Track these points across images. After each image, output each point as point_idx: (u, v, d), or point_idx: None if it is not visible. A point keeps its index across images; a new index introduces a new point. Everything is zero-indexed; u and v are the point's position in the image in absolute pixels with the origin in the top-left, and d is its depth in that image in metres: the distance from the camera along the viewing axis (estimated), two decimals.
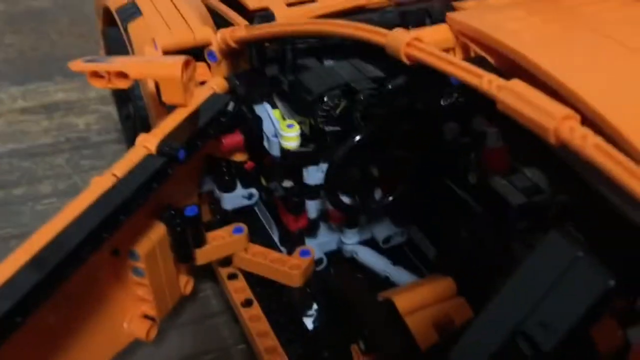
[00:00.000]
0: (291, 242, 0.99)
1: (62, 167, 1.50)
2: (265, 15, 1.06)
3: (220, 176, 1.00)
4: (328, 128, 0.85)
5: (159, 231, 0.85)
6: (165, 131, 0.81)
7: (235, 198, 1.02)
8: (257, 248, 0.97)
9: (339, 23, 0.77)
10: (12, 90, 1.83)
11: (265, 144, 0.95)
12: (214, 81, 0.93)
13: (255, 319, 0.94)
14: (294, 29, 0.81)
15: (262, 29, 0.86)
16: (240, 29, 0.91)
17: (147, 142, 0.79)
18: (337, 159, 0.82)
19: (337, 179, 0.84)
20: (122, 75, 0.82)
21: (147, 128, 1.15)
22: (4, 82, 1.87)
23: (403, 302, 0.78)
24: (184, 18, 1.06)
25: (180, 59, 0.83)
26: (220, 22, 1.11)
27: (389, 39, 0.66)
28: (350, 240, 1.02)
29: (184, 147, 0.79)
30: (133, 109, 1.23)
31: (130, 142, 1.43)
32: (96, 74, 0.83)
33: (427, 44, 0.62)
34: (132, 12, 1.11)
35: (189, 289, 0.96)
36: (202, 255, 0.92)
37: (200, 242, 0.91)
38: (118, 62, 0.84)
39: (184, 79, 0.83)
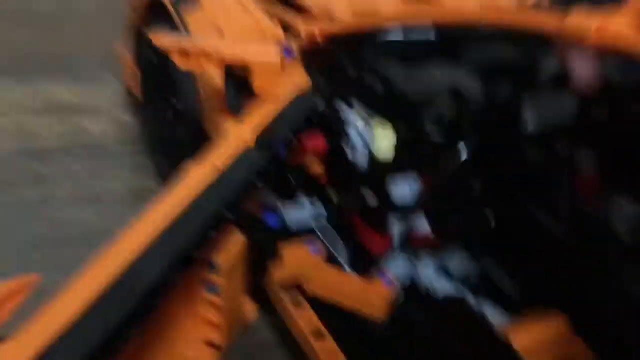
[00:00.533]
0: (367, 266, 0.88)
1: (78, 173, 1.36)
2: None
3: (285, 188, 0.89)
4: (434, 137, 0.76)
5: (238, 242, 0.73)
6: (260, 124, 0.71)
7: (302, 216, 0.91)
8: (333, 270, 0.85)
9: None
10: (19, 90, 1.69)
11: (349, 151, 0.84)
12: (296, 77, 0.83)
13: (330, 354, 0.82)
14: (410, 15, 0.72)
15: (362, 23, 0.77)
16: (332, 24, 0.82)
17: (244, 134, 0.68)
18: (445, 174, 0.73)
19: (442, 198, 0.75)
20: (214, 56, 0.72)
21: (196, 130, 1.04)
22: (10, 80, 1.74)
23: (522, 340, 0.69)
24: (248, 11, 0.97)
25: (279, 45, 0.73)
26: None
27: (569, 26, 0.57)
28: (428, 270, 0.91)
29: (284, 143, 0.69)
30: (180, 108, 1.11)
31: (161, 150, 1.31)
32: (183, 52, 0.72)
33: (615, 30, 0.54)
34: (190, 3, 1.02)
35: (253, 314, 0.83)
36: (278, 274, 0.80)
37: (278, 257, 0.79)
38: (209, 43, 0.74)
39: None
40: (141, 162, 1.42)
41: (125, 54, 1.44)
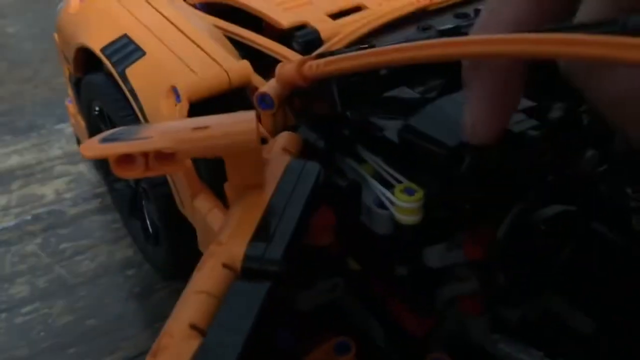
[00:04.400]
0: (411, 350, 0.71)
1: (37, 256, 1.16)
2: (307, 34, 0.81)
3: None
4: (472, 192, 0.59)
5: None
6: (245, 234, 0.52)
7: (315, 293, 0.74)
8: None
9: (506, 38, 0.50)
10: None
11: (364, 217, 0.66)
12: (282, 139, 0.65)
13: None
14: (424, 52, 0.53)
15: (360, 57, 0.58)
16: (319, 61, 0.62)
17: (224, 257, 0.50)
18: (504, 235, 0.56)
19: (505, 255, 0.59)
20: (167, 156, 0.53)
21: (166, 210, 0.86)
22: None
23: None
24: (206, 52, 0.77)
25: (250, 115, 0.54)
26: (245, 53, 0.83)
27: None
28: (480, 331, 0.75)
29: (284, 256, 0.51)
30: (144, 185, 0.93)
31: (125, 213, 1.11)
32: (126, 160, 0.53)
33: None
34: (129, 51, 0.81)
35: None
36: None
37: None
38: (153, 135, 0.54)
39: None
40: (106, 222, 1.23)
41: (70, 105, 1.23)
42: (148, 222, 1.04)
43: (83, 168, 1.40)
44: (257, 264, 0.50)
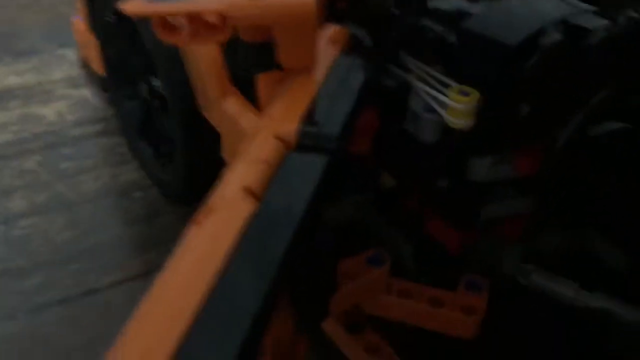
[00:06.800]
0: (441, 267, 0.68)
1: (36, 173, 1.11)
2: None
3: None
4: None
5: None
6: (297, 112, 0.48)
7: (343, 209, 0.71)
8: (401, 284, 0.65)
9: None
10: None
11: (409, 125, 0.63)
12: (329, 31, 0.60)
13: None
14: None
15: None
16: None
17: (277, 131, 0.46)
18: (563, 145, 0.53)
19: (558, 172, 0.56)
20: (215, 23, 0.48)
21: (188, 121, 0.81)
22: None
23: None
24: None
25: None
26: None
27: None
28: (514, 259, 0.72)
29: (340, 134, 0.47)
30: (163, 92, 0.88)
31: (141, 134, 1.06)
32: (171, 25, 0.48)
33: None
34: None
35: (303, 350, 0.63)
36: (336, 300, 0.60)
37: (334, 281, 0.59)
38: (204, 1, 0.50)
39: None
40: (110, 146, 1.18)
41: (77, 20, 1.17)
42: (160, 141, 1.00)
43: (86, 93, 1.34)
44: (313, 139, 0.46)
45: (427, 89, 0.60)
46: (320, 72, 0.54)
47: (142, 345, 0.31)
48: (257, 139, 0.46)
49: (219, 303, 0.33)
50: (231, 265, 0.35)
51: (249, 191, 0.40)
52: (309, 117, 0.48)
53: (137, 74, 0.99)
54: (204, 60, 0.70)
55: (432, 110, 0.59)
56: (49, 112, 1.28)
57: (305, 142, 0.46)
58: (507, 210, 0.64)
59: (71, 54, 1.47)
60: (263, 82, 0.58)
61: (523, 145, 0.60)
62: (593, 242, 0.74)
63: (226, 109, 0.69)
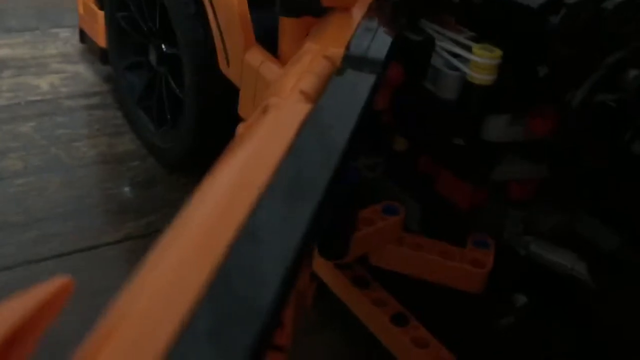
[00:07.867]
0: (450, 226, 0.70)
1: (31, 137, 1.09)
2: None
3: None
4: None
5: None
6: (342, 40, 0.50)
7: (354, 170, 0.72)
8: (413, 237, 0.67)
9: None
10: None
11: (429, 84, 0.65)
12: None
13: (420, 341, 0.64)
14: None
15: None
16: None
17: (324, 52, 0.48)
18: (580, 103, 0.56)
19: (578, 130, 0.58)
20: None
21: (203, 79, 0.82)
22: None
23: None
24: None
25: None
26: None
27: None
28: (516, 227, 0.74)
29: (384, 61, 0.49)
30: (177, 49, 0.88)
31: (141, 103, 1.06)
32: None
33: None
34: None
35: (310, 298, 0.64)
36: (353, 247, 0.61)
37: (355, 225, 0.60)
38: None
39: None
40: (106, 118, 1.17)
41: None
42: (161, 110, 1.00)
43: (81, 68, 1.33)
44: (359, 62, 0.48)
45: (450, 45, 0.63)
46: (357, 12, 0.56)
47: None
48: (304, 57, 0.47)
49: (289, 178, 0.34)
50: (291, 156, 0.36)
51: (304, 94, 0.42)
52: (354, 44, 0.50)
53: (146, 40, 1.00)
54: (232, 11, 0.71)
55: (454, 68, 0.62)
56: (42, 83, 1.27)
57: (352, 65, 0.48)
58: (517, 174, 0.67)
59: (65, 34, 1.46)
60: (289, 33, 0.60)
61: (538, 106, 0.62)
62: (585, 226, 0.77)
63: (249, 61, 0.71)
